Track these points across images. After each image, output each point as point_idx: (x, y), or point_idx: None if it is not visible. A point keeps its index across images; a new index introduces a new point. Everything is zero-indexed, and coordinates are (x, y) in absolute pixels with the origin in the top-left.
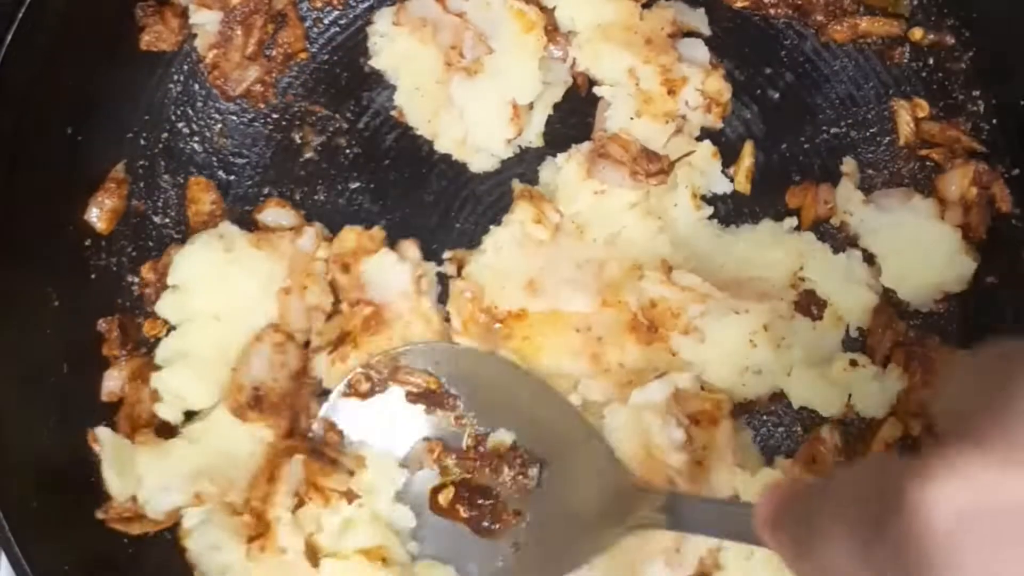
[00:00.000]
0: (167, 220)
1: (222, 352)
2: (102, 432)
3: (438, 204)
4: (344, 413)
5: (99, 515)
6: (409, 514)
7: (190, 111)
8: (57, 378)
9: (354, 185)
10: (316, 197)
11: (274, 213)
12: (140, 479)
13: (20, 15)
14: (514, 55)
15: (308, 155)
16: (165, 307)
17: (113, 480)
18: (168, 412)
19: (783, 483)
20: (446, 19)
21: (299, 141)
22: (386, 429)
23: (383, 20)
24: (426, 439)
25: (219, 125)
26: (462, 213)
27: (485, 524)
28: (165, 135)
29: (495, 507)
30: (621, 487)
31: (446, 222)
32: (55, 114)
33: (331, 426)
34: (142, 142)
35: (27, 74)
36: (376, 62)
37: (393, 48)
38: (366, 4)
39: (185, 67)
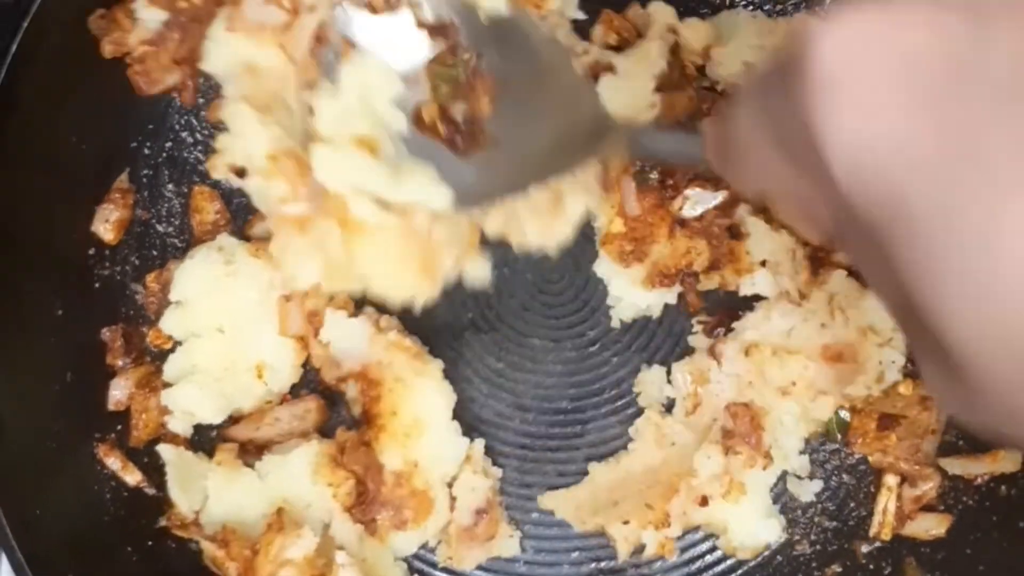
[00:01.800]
0: (171, 229)
1: (229, 365)
2: (165, 449)
3: None
4: (355, 22)
5: (162, 522)
6: (403, 118)
7: (193, 120)
8: (61, 386)
9: None
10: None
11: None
12: (207, 495)
13: (25, 25)
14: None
15: None
16: (169, 323)
17: (179, 496)
18: (179, 426)
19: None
20: (290, 21)
21: None
22: (391, 46)
23: (217, 24)
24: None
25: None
26: None
27: (457, 141)
28: (168, 144)
29: (472, 130)
30: (596, 120)
31: None
32: (59, 122)
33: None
34: (146, 151)
35: (31, 83)
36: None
37: (227, 54)
38: None
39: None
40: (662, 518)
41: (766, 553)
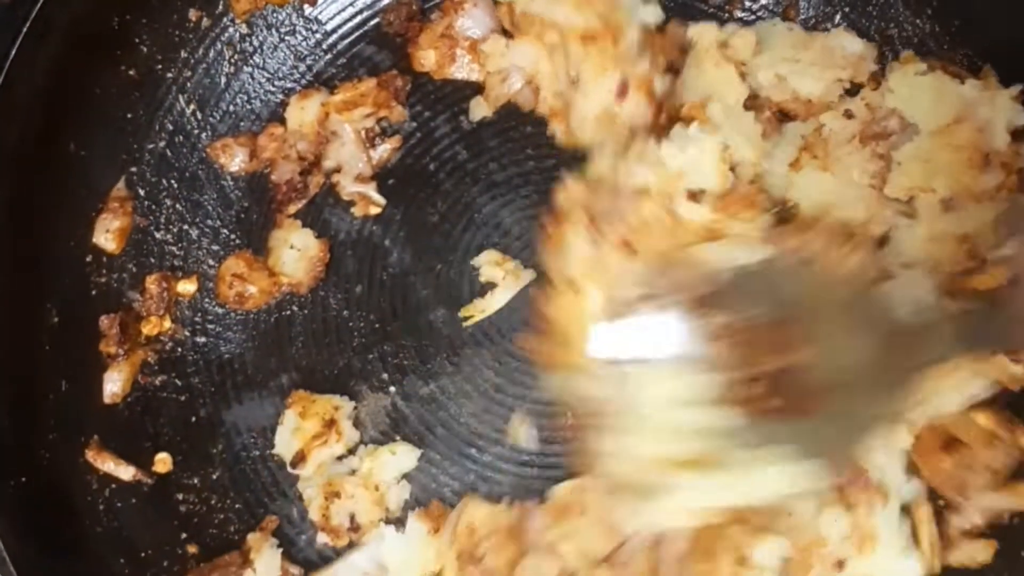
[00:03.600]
0: (169, 236)
1: None
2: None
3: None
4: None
5: None
6: (715, 412)
7: (189, 126)
8: (55, 395)
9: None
10: (323, 217)
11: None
12: None
13: (24, 30)
14: None
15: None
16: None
17: None
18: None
19: None
20: None
21: None
22: (659, 342)
23: None
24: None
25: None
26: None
27: (781, 405)
28: (166, 150)
29: (796, 387)
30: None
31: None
32: (57, 128)
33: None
34: (146, 157)
35: (30, 89)
36: None
37: None
38: None
39: (188, 85)
40: None
41: None
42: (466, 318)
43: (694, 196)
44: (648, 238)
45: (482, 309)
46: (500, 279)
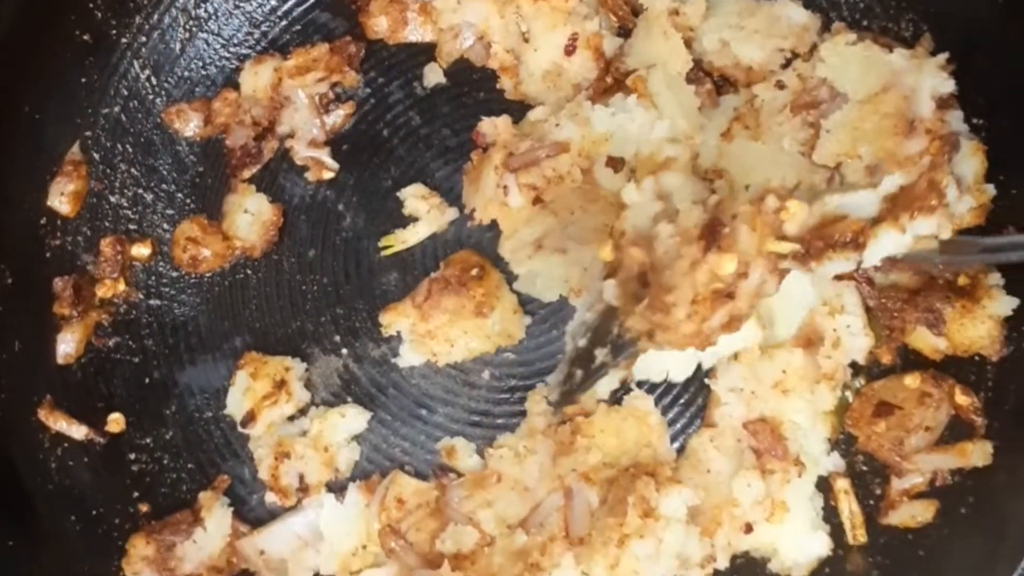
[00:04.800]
0: (124, 201)
1: None
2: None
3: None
4: None
5: None
6: None
7: (144, 91)
8: (8, 355)
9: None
10: (278, 182)
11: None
12: None
13: None
14: None
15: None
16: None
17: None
18: None
19: None
20: None
21: None
22: None
23: None
24: None
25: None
26: None
27: None
28: (123, 116)
29: None
30: None
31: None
32: (11, 92)
33: None
34: (100, 121)
35: None
36: None
37: None
38: None
39: (142, 51)
40: (708, 554)
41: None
42: (386, 247)
43: (613, 163)
44: (558, 193)
45: (403, 240)
46: (424, 213)
